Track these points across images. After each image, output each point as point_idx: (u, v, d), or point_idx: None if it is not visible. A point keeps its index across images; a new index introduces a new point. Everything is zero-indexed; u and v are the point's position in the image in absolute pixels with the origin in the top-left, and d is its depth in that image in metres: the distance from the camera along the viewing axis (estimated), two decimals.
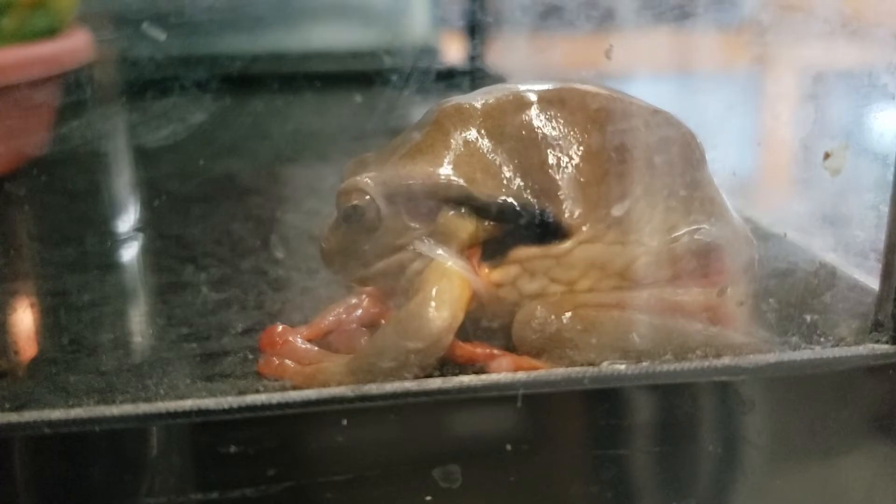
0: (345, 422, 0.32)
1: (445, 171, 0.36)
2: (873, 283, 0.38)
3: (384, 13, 1.02)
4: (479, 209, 0.36)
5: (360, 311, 0.40)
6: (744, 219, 0.46)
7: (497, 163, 0.36)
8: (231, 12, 0.72)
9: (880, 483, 0.37)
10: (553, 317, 0.35)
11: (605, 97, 0.37)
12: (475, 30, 0.84)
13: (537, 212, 0.36)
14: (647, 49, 0.49)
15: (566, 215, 0.36)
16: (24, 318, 0.46)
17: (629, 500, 0.35)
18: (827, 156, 0.39)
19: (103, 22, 0.65)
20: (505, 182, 0.36)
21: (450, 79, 0.56)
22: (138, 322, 0.45)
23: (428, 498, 0.33)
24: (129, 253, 0.54)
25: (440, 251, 0.35)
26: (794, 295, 0.40)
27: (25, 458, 0.31)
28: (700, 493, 0.35)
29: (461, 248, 0.36)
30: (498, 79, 0.71)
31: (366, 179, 0.36)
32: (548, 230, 0.36)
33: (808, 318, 0.38)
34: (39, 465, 0.31)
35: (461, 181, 0.35)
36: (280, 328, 0.38)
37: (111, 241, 0.55)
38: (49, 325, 0.45)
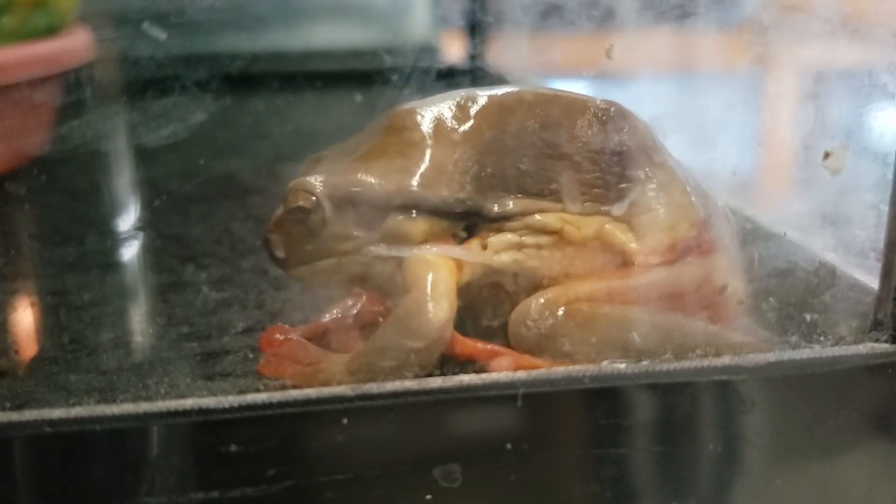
0: (345, 421, 0.32)
1: (396, 177, 0.36)
2: (873, 282, 0.38)
3: (385, 12, 1.02)
4: (431, 211, 0.36)
5: (359, 310, 0.40)
6: (744, 218, 0.46)
7: (449, 166, 0.36)
8: (232, 12, 0.72)
9: (880, 482, 0.37)
10: (548, 313, 0.36)
11: (551, 97, 0.38)
12: (475, 29, 0.84)
13: (490, 209, 0.36)
14: (647, 49, 0.49)
15: (517, 210, 0.37)
16: (25, 318, 0.46)
17: (629, 500, 0.35)
18: (827, 155, 0.39)
19: (104, 21, 0.65)
20: (457, 185, 0.36)
21: (450, 78, 0.56)
22: (139, 321, 0.45)
23: (428, 497, 0.33)
24: (130, 252, 0.54)
25: (411, 249, 0.36)
26: (794, 294, 0.40)
27: (26, 457, 0.31)
28: (700, 492, 0.35)
29: (416, 245, 0.36)
30: (498, 78, 0.71)
31: (316, 181, 0.36)
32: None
33: (808, 317, 0.38)
34: (40, 464, 0.31)
35: (412, 186, 0.36)
36: (280, 328, 0.38)
37: (111, 241, 0.55)
38: (49, 324, 0.45)
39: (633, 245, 0.37)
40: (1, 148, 0.60)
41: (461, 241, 0.37)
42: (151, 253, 0.53)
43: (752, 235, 0.43)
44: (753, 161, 0.50)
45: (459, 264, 0.36)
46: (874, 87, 0.39)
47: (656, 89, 0.52)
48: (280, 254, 0.37)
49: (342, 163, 0.37)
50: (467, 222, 0.37)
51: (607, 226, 0.37)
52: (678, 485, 0.35)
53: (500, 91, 0.38)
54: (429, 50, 0.91)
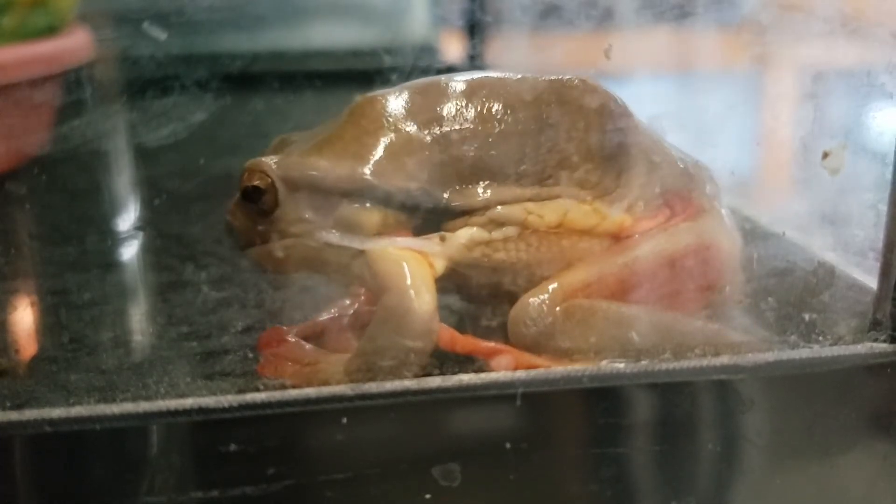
0: (344, 420, 0.32)
1: (349, 164, 0.36)
2: (872, 282, 0.38)
3: (384, 12, 1.02)
4: (387, 201, 0.36)
5: (357, 310, 0.40)
6: (743, 218, 0.46)
7: (405, 156, 0.36)
8: (231, 11, 0.72)
9: (879, 481, 0.37)
10: (546, 310, 0.36)
11: (515, 79, 0.38)
12: (475, 29, 0.84)
13: (446, 200, 0.36)
14: (646, 48, 0.49)
15: (472, 200, 0.36)
16: (25, 317, 0.46)
17: (628, 499, 0.35)
18: (826, 155, 0.39)
19: (103, 21, 0.65)
20: (412, 172, 0.36)
21: None
22: (138, 321, 0.45)
23: (427, 496, 0.33)
24: (130, 252, 0.54)
25: (365, 241, 0.36)
26: (793, 294, 0.40)
27: (26, 456, 0.31)
28: (700, 491, 0.35)
29: (370, 235, 0.36)
30: None
31: (270, 162, 0.36)
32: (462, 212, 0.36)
33: (807, 316, 0.38)
34: (40, 463, 0.31)
35: (364, 174, 0.35)
36: (279, 329, 0.38)
37: (111, 240, 0.55)
38: (49, 323, 0.45)
39: (605, 224, 0.37)
40: (1, 148, 0.60)
41: (426, 233, 0.37)
42: (151, 252, 0.53)
43: (751, 235, 0.43)
44: (752, 161, 0.50)
45: (427, 258, 0.36)
46: (873, 86, 0.39)
47: (655, 89, 0.52)
48: (238, 236, 0.37)
49: (300, 146, 0.37)
50: (426, 215, 0.36)
51: (570, 213, 0.37)
52: (678, 484, 0.35)
53: (464, 77, 0.38)
54: (428, 50, 0.91)
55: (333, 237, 0.36)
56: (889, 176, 0.36)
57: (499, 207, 0.36)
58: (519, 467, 0.33)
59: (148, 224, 0.57)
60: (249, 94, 0.72)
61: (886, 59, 0.38)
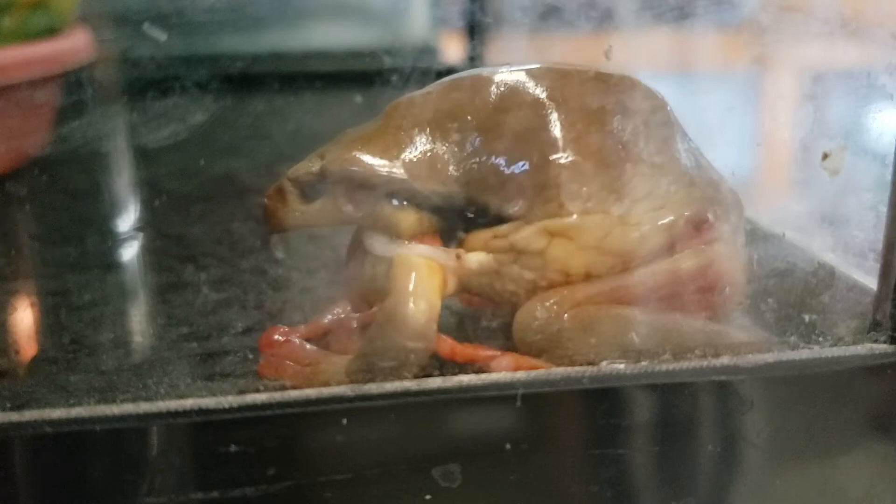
0: (345, 421, 0.32)
1: (388, 164, 0.35)
2: (872, 283, 0.38)
3: (384, 13, 1.02)
4: (421, 203, 0.36)
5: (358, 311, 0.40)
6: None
7: (444, 156, 0.36)
8: (232, 12, 0.72)
9: (879, 482, 0.37)
10: (553, 317, 0.35)
11: (555, 75, 0.37)
12: (475, 30, 0.84)
13: (482, 204, 0.36)
14: (646, 49, 0.49)
15: (513, 206, 0.35)
16: (25, 318, 0.46)
17: (628, 500, 0.35)
18: (825, 156, 0.39)
19: (104, 22, 0.65)
20: (450, 175, 0.36)
21: None
22: (138, 321, 0.45)
23: (428, 497, 0.33)
24: (130, 252, 0.54)
25: (397, 247, 0.36)
26: (793, 295, 0.40)
27: (26, 457, 0.31)
28: (699, 492, 0.35)
29: (406, 238, 0.36)
30: None
31: (317, 156, 0.36)
32: (497, 219, 0.36)
33: (807, 317, 0.39)
34: (40, 464, 0.31)
35: (403, 175, 0.35)
36: (279, 329, 0.38)
37: (111, 241, 0.55)
38: (49, 324, 0.45)
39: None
40: (1, 148, 0.60)
41: (453, 241, 0.36)
42: (151, 253, 0.53)
43: (751, 236, 0.43)
44: (752, 161, 0.50)
45: (444, 271, 0.36)
46: (873, 87, 0.39)
47: (655, 89, 0.52)
48: (270, 218, 0.37)
49: (342, 142, 0.37)
50: (456, 221, 0.36)
51: (609, 235, 0.36)
52: (677, 485, 0.35)
53: (505, 73, 0.37)
54: (428, 51, 0.91)
55: (369, 242, 0.36)
56: (889, 177, 0.36)
57: (526, 229, 0.35)
58: (519, 468, 0.33)
59: (148, 225, 0.57)
60: (249, 96, 0.72)
61: (886, 60, 0.38)
